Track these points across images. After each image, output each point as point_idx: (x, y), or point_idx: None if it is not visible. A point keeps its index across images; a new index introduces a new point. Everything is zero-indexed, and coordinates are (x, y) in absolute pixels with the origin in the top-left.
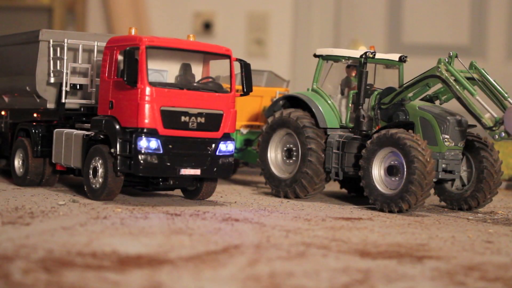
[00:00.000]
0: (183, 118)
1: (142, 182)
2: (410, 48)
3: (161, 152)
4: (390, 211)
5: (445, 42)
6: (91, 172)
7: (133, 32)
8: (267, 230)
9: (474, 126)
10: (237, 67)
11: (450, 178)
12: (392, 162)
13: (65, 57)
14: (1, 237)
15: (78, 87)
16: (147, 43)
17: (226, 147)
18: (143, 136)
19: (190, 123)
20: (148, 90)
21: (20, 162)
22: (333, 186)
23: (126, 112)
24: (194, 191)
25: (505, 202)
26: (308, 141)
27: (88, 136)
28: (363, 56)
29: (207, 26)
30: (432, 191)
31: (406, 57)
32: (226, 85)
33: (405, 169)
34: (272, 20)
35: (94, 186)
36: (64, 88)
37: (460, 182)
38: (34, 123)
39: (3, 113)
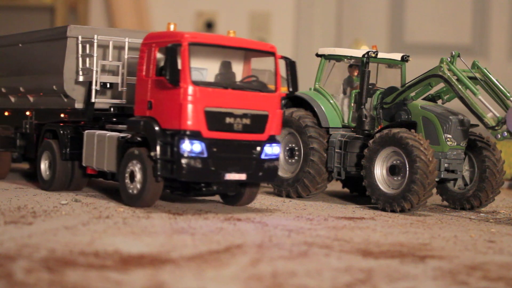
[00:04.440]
0: (227, 120)
1: (182, 187)
2: (412, 48)
3: (205, 155)
4: (393, 211)
5: (448, 41)
6: (128, 177)
7: (171, 28)
8: (269, 230)
9: (477, 125)
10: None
11: (452, 178)
12: (394, 162)
13: (95, 54)
14: (3, 236)
15: (108, 86)
16: (189, 39)
17: (272, 150)
18: (186, 139)
19: (235, 125)
20: (191, 89)
21: (47, 165)
22: (335, 186)
23: (167, 113)
24: (235, 196)
25: (508, 201)
26: (310, 141)
27: (124, 138)
28: (365, 56)
29: (209, 26)
30: (434, 190)
31: (408, 56)
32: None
33: (407, 169)
34: (274, 20)
35: (131, 191)
36: (93, 87)
37: (462, 181)
38: (62, 124)
39: (27, 113)
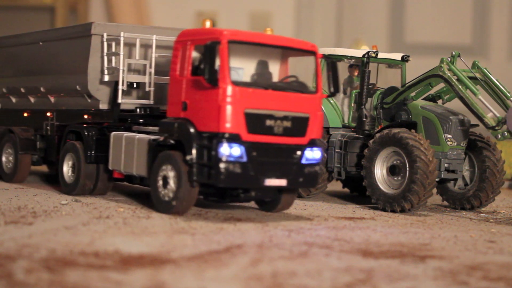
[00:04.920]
0: (268, 122)
1: (217, 193)
2: (413, 48)
3: (245, 160)
4: (393, 211)
5: (448, 41)
6: (160, 182)
7: (207, 24)
8: (270, 230)
9: (477, 125)
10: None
11: (452, 178)
12: (394, 162)
13: (121, 53)
14: (3, 236)
15: (135, 86)
16: (229, 37)
17: (313, 154)
18: (224, 142)
19: (275, 128)
20: (231, 90)
21: (70, 168)
22: (335, 186)
23: (203, 114)
24: (272, 202)
25: (508, 201)
26: None
27: (156, 141)
28: (366, 56)
29: None
30: (434, 190)
31: (408, 56)
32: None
33: (408, 169)
34: (274, 20)
35: (164, 197)
36: (120, 87)
37: (462, 181)
38: (86, 125)
39: (48, 114)
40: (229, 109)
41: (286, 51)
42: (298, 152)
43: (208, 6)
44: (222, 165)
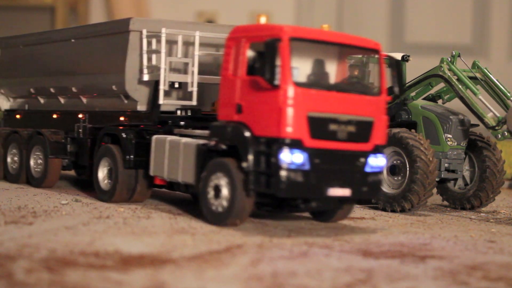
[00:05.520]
0: (331, 127)
1: (274, 203)
2: (413, 48)
3: (308, 168)
4: (393, 211)
5: (448, 41)
6: (212, 192)
7: (262, 20)
8: (270, 230)
9: (477, 125)
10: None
11: (452, 178)
12: (394, 162)
13: (163, 50)
14: (4, 236)
15: (176, 86)
16: (290, 33)
17: (377, 161)
18: (286, 148)
19: (339, 133)
20: (293, 91)
21: (106, 173)
22: None
23: (261, 117)
24: (328, 212)
25: (508, 201)
26: None
27: (205, 146)
28: (366, 56)
29: None
30: (434, 190)
31: (408, 56)
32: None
33: (408, 169)
34: (275, 20)
35: (216, 208)
36: (161, 87)
37: (462, 181)
38: (124, 128)
39: (80, 116)
40: (291, 112)
41: (345, 49)
42: (362, 159)
43: (208, 5)
44: (283, 174)
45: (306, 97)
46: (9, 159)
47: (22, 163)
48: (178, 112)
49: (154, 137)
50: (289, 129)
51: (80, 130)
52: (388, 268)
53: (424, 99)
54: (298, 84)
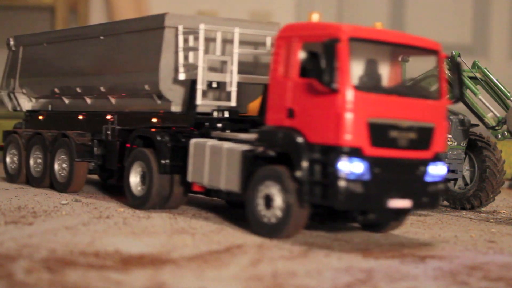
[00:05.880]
0: (392, 133)
1: (327, 214)
2: None
3: (368, 178)
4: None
5: (448, 41)
6: (262, 202)
7: (315, 18)
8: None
9: (477, 125)
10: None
11: (452, 178)
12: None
13: (201, 48)
14: (4, 236)
15: (214, 86)
16: (350, 33)
17: (437, 170)
18: (344, 157)
19: (399, 140)
20: (353, 95)
21: (138, 178)
22: None
23: (316, 123)
24: (382, 223)
25: (508, 201)
26: None
27: (252, 152)
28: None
29: None
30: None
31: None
32: None
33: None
34: (274, 19)
35: (266, 220)
36: (199, 86)
37: (462, 181)
38: (159, 130)
39: (108, 117)
40: (350, 118)
41: (403, 49)
42: (422, 168)
43: (209, 5)
44: (341, 184)
45: (366, 101)
46: (31, 162)
47: (45, 166)
48: (215, 114)
49: (193, 141)
50: (348, 136)
51: (109, 132)
52: (388, 268)
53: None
54: (358, 88)
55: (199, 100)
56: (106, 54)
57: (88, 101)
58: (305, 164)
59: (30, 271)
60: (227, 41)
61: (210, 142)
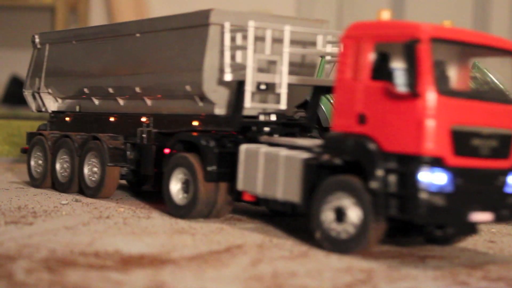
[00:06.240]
0: (474, 142)
1: (401, 227)
2: None
3: (451, 190)
4: None
5: None
6: (331, 215)
7: (385, 15)
8: (270, 230)
9: None
10: None
11: None
12: None
13: (250, 46)
14: (4, 236)
15: (262, 87)
16: (431, 33)
17: None
18: (425, 167)
19: (481, 148)
20: (435, 100)
21: (180, 186)
22: None
23: (393, 130)
24: (445, 234)
25: None
26: None
27: (315, 160)
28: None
29: None
30: None
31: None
32: None
33: None
34: None
35: (337, 234)
36: (248, 88)
37: None
38: (204, 134)
39: (144, 119)
40: (432, 125)
41: (478, 50)
42: (502, 178)
43: (209, 5)
44: (422, 197)
45: (449, 107)
46: (58, 166)
47: (73, 171)
48: (261, 117)
49: (244, 147)
50: (429, 145)
51: (144, 135)
52: (388, 268)
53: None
54: (440, 92)
55: (247, 103)
56: (142, 52)
57: (121, 102)
58: (380, 174)
59: (30, 271)
60: (274, 40)
61: (264, 148)
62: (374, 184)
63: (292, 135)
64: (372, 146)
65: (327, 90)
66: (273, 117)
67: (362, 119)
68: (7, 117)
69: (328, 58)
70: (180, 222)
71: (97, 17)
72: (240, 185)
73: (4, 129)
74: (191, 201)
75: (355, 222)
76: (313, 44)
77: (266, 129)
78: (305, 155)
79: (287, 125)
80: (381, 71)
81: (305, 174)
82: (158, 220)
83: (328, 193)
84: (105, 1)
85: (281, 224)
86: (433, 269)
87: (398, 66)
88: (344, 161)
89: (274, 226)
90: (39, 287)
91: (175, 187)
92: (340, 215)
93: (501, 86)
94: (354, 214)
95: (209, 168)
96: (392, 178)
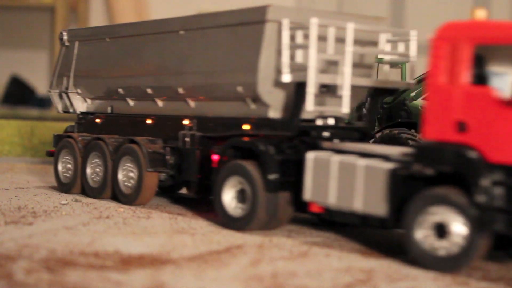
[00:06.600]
0: None
1: (505, 242)
2: None
3: None
4: None
5: None
6: (430, 231)
7: (481, 15)
8: (270, 230)
9: None
10: None
11: None
12: None
13: (313, 45)
14: (4, 236)
15: (324, 90)
16: None
17: None
18: None
19: None
20: None
21: (234, 195)
22: None
23: (499, 139)
24: None
25: None
26: None
27: (406, 170)
28: None
29: None
30: None
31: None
32: None
33: None
34: None
35: (438, 252)
36: (310, 89)
37: None
38: (262, 140)
39: (186, 122)
40: None
41: None
42: None
43: (209, 5)
44: None
45: None
46: (88, 171)
47: (106, 176)
48: (318, 121)
49: (312, 155)
50: None
51: (187, 139)
52: (388, 268)
53: (424, 99)
54: None
55: (310, 106)
56: (187, 51)
57: (160, 103)
58: (487, 186)
59: (30, 271)
60: (338, 38)
61: (337, 157)
62: (480, 198)
63: (350, 140)
64: (475, 156)
65: (386, 92)
66: (331, 121)
67: (461, 127)
68: (7, 117)
69: (387, 58)
70: (180, 222)
71: (97, 17)
72: (308, 196)
73: (4, 129)
74: (249, 213)
75: (460, 238)
76: (372, 43)
77: (325, 134)
78: (388, 165)
79: (345, 130)
80: (483, 75)
81: (392, 185)
82: (158, 220)
83: (424, 207)
84: (105, 1)
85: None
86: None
87: (502, 70)
88: (439, 172)
89: (273, 226)
90: (39, 287)
91: (229, 196)
92: (441, 231)
93: None
94: (458, 230)
95: (271, 177)
96: (499, 191)
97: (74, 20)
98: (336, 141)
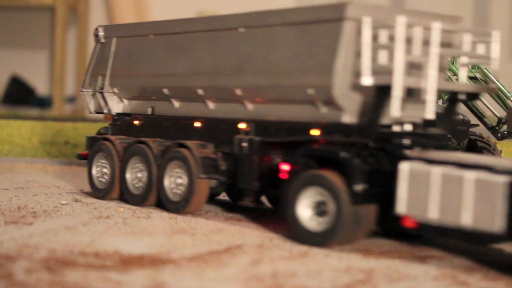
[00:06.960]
0: None
1: None
2: None
3: None
4: None
5: None
6: None
7: None
8: (270, 230)
9: (477, 125)
10: None
11: None
12: None
13: (400, 46)
14: (3, 236)
15: (409, 94)
16: None
17: None
18: None
19: None
20: None
21: (311, 208)
22: None
23: None
24: None
25: None
26: None
27: None
28: None
29: None
30: None
31: None
32: None
33: None
34: None
35: None
36: (396, 93)
37: None
38: (345, 148)
39: (242, 126)
40: None
41: None
42: None
43: (209, 4)
44: None
45: None
46: (128, 176)
47: (151, 182)
48: (395, 128)
49: (407, 166)
50: None
51: (244, 144)
52: (388, 268)
53: None
54: None
55: (396, 111)
56: (247, 50)
57: (211, 105)
58: None
59: (30, 271)
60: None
61: (438, 169)
62: None
63: (430, 148)
64: None
65: (468, 97)
66: (408, 127)
67: None
68: (7, 117)
69: (464, 60)
70: (180, 222)
71: (97, 17)
72: (402, 209)
73: (4, 129)
74: (332, 227)
75: None
76: (446, 44)
77: (406, 141)
78: (503, 177)
79: (423, 137)
80: None
81: (510, 199)
82: (158, 220)
83: None
84: (105, 1)
85: (281, 224)
86: (433, 269)
87: None
88: None
89: (274, 226)
90: (39, 287)
91: (304, 209)
92: None
93: (502, 87)
94: None
95: (358, 188)
96: None
97: (74, 20)
98: (417, 149)
